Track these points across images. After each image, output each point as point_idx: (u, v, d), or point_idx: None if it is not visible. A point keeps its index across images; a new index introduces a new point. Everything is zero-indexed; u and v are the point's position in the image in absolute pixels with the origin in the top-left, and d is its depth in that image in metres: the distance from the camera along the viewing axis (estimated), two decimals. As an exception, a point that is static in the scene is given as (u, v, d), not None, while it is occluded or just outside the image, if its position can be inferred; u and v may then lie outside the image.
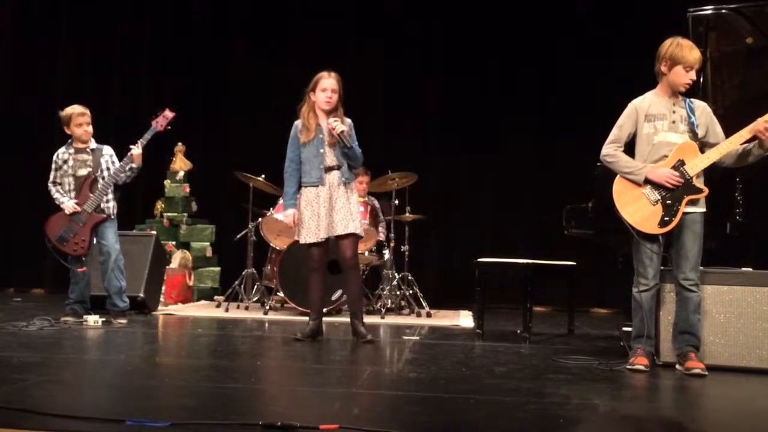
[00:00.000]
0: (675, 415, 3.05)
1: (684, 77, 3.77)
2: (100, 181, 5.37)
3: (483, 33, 7.76)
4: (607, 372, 3.66)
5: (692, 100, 3.87)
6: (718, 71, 4.63)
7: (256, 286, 6.71)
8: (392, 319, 6.00)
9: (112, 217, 5.44)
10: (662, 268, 3.83)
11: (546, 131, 7.62)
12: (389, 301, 6.37)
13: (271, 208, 6.36)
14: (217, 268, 7.48)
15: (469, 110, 7.73)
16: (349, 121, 4.64)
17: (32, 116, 8.23)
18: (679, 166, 3.73)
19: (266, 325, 5.66)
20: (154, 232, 6.61)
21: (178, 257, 7.10)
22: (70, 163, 5.41)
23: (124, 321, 5.28)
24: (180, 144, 7.60)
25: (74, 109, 5.41)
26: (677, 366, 3.80)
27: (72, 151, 5.43)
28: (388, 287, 6.43)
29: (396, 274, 6.48)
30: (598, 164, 4.08)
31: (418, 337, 4.97)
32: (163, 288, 6.61)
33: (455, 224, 7.78)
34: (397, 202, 6.52)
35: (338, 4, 8.03)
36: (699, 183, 3.75)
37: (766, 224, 4.07)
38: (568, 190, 5.31)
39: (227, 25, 8.32)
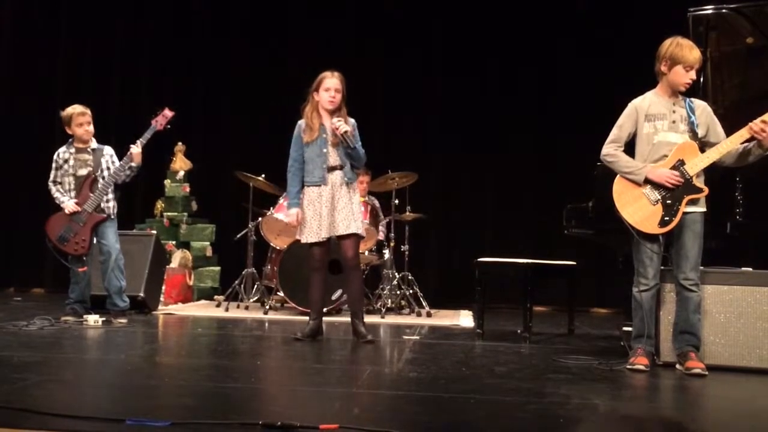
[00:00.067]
0: (675, 415, 3.05)
1: (684, 77, 3.77)
2: (101, 180, 5.37)
3: (483, 33, 7.75)
4: (607, 372, 3.67)
5: (692, 99, 3.87)
6: (718, 71, 4.63)
7: (256, 286, 6.71)
8: (392, 319, 6.00)
9: (113, 216, 5.44)
10: (662, 267, 3.83)
11: (546, 131, 7.62)
12: (389, 300, 6.37)
13: (271, 208, 6.36)
14: (217, 268, 7.48)
15: (469, 110, 7.73)
16: (352, 121, 4.64)
17: (32, 116, 8.23)
18: (679, 165, 3.73)
19: (266, 324, 5.66)
20: (154, 232, 6.61)
21: (178, 257, 7.11)
22: (71, 162, 5.41)
23: (124, 320, 5.28)
24: (180, 144, 7.60)
25: (75, 109, 5.42)
26: (677, 366, 3.80)
27: (73, 150, 5.43)
28: (388, 287, 6.43)
29: (396, 274, 6.48)
30: (598, 164, 4.09)
31: (418, 337, 4.97)
32: (163, 287, 6.61)
33: (455, 224, 7.78)
34: (397, 201, 6.53)
35: (338, 4, 8.03)
36: (699, 183, 3.75)
37: (766, 224, 4.07)
38: (568, 190, 5.31)
39: (227, 25, 8.32)
